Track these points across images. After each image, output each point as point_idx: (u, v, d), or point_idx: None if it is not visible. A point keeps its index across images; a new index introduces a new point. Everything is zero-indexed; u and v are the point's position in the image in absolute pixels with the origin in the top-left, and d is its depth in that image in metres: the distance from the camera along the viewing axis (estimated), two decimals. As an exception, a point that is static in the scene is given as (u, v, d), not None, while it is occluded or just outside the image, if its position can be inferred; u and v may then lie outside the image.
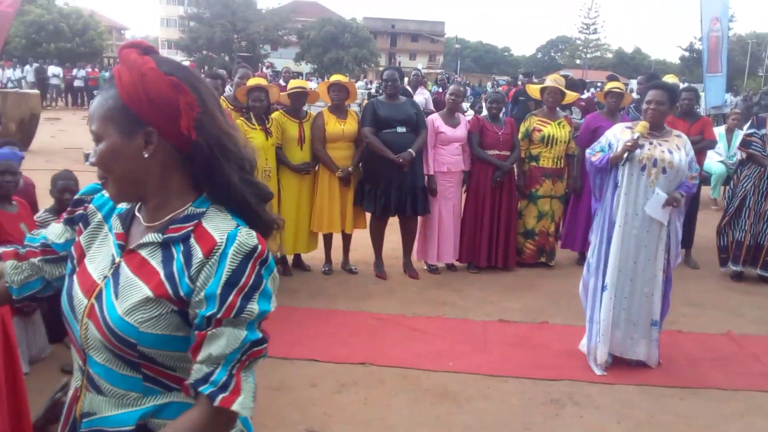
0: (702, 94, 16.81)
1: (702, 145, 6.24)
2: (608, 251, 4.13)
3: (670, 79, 7.36)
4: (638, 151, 3.99)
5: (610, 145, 4.10)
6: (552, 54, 75.57)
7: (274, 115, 5.58)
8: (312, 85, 6.69)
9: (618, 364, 4.23)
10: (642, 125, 4.04)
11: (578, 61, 63.52)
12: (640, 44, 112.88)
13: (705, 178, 9.14)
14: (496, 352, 4.45)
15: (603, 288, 4.15)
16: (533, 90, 6.82)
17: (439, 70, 50.01)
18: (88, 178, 4.55)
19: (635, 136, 3.97)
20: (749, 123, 6.06)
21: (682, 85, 7.29)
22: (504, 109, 6.65)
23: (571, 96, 6.48)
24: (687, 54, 55.92)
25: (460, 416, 3.64)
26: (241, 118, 5.32)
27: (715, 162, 8.86)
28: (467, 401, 3.80)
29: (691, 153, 4.07)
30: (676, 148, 4.01)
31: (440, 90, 11.38)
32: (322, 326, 4.78)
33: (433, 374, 4.10)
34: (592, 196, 4.37)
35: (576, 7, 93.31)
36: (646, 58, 69.25)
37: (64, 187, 3.98)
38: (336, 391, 3.86)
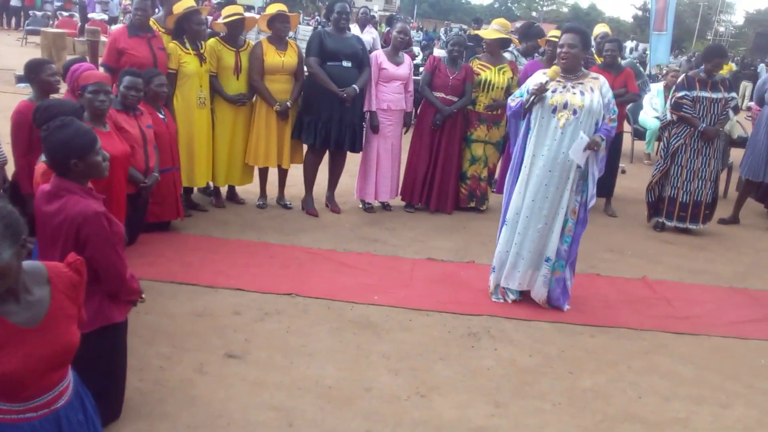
0: (648, 53, 17.12)
1: (626, 98, 6.36)
2: (512, 187, 4.28)
3: (601, 27, 7.45)
4: (549, 94, 4.06)
5: (528, 91, 4.15)
6: (509, 5, 75.04)
7: (210, 41, 5.40)
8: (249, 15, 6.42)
9: (535, 303, 4.38)
10: (552, 70, 4.13)
11: (534, 14, 63.43)
12: (595, 0, 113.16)
13: (640, 133, 9.40)
14: (420, 288, 4.56)
15: (503, 224, 4.30)
16: (483, 34, 6.78)
17: (394, 12, 49.09)
18: (16, 100, 4.38)
19: (544, 81, 4.05)
20: (679, 84, 6.11)
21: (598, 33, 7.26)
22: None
23: (514, 41, 6.49)
24: (640, 13, 56.35)
25: (380, 345, 3.73)
26: (175, 42, 5.14)
27: (650, 117, 9.06)
28: (388, 332, 3.89)
29: (609, 95, 4.12)
30: (589, 90, 4.07)
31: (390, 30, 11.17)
32: (251, 258, 4.78)
33: (357, 306, 4.17)
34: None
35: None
36: (600, 14, 69.52)
37: None
38: (258, 319, 3.90)
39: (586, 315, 4.34)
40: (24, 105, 3.94)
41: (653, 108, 9.08)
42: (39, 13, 20.01)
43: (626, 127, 8.48)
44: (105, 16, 20.39)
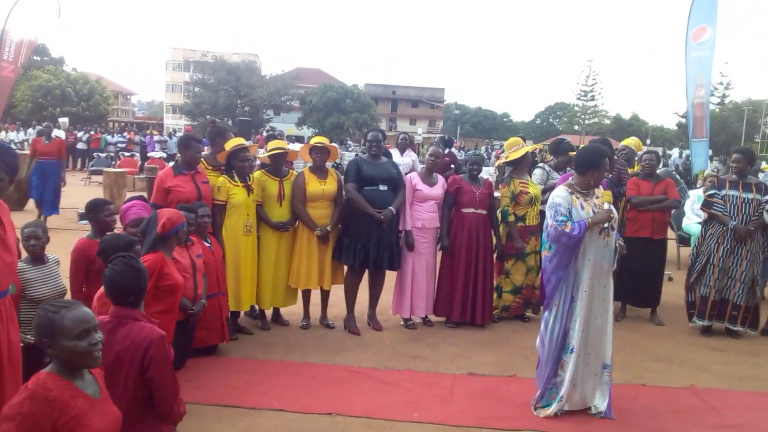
0: (690, 159, 17.20)
1: (666, 204, 6.50)
2: (569, 312, 4.31)
3: (629, 141, 7.67)
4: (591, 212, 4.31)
5: (570, 212, 4.24)
6: (550, 120, 76.94)
7: (256, 174, 5.83)
8: (294, 146, 6.94)
9: (579, 414, 4.31)
10: (606, 194, 4.36)
11: (576, 127, 64.56)
12: (638, 110, 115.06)
13: (685, 239, 9.34)
14: (461, 404, 4.54)
15: (570, 350, 4.32)
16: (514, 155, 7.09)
17: (439, 135, 50.96)
18: (77, 236, 4.79)
19: (606, 207, 4.28)
20: (711, 184, 6.28)
21: (642, 148, 7.56)
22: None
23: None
24: (683, 120, 56.96)
25: (419, 464, 3.72)
26: (224, 176, 5.56)
27: (693, 223, 9.04)
28: (427, 450, 3.88)
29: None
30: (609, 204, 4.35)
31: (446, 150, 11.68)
32: (294, 378, 4.88)
33: (397, 424, 4.19)
34: (554, 262, 4.30)
35: (574, 74, 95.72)
36: (643, 124, 70.34)
37: (30, 234, 4.09)
38: (299, 439, 3.95)
39: (632, 427, 4.24)
40: (83, 242, 4.31)
41: (695, 213, 9.06)
42: (102, 155, 21.61)
43: (670, 233, 8.47)
44: (164, 154, 21.90)
